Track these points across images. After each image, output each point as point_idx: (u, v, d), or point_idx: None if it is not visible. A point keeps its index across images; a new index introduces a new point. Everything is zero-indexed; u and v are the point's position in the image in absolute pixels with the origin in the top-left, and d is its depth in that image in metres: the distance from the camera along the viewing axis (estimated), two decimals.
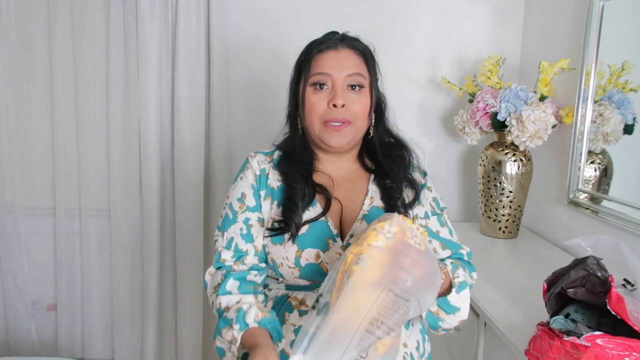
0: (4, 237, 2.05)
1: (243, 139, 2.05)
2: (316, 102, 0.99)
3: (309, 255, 0.96)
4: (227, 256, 0.99)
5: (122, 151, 1.98)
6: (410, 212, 1.03)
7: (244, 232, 1.01)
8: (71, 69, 1.95)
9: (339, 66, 0.98)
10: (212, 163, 2.01)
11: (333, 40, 1.01)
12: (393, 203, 1.01)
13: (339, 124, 0.98)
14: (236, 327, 0.85)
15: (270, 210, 1.02)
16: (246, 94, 2.03)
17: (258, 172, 1.04)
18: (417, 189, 1.05)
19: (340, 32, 1.06)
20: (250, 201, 1.02)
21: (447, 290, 0.92)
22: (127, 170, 2.00)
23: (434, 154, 2.06)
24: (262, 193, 1.03)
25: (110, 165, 1.99)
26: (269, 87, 2.00)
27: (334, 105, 0.97)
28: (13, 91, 1.99)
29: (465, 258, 1.05)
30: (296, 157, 1.03)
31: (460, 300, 0.92)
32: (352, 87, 0.99)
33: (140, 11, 1.85)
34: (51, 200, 2.06)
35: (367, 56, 1.02)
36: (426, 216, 1.04)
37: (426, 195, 1.07)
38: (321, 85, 0.99)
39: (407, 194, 1.04)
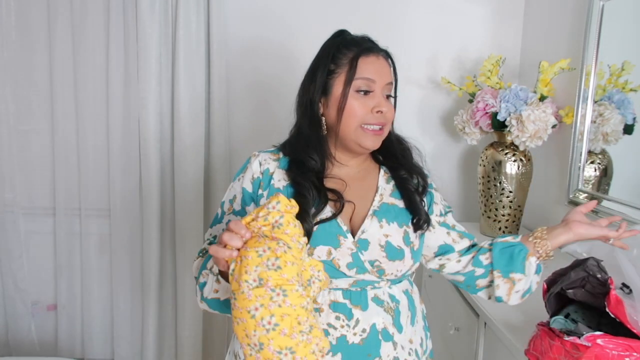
0: (4, 237, 2.05)
1: (243, 139, 2.05)
2: (359, 107, 0.99)
3: (320, 252, 0.96)
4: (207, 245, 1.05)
5: (122, 151, 1.98)
6: (424, 198, 1.07)
7: None
8: (71, 69, 1.95)
9: (380, 73, 1.01)
10: (212, 163, 2.01)
11: (371, 43, 1.03)
12: (410, 194, 1.05)
13: (378, 127, 1.01)
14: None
15: None
16: (246, 93, 2.03)
17: (257, 175, 1.03)
18: (424, 177, 1.09)
19: (350, 29, 1.07)
20: (237, 205, 1.04)
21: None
22: (127, 170, 2.00)
23: (434, 154, 2.06)
24: (265, 193, 1.02)
25: (110, 165, 1.99)
26: (270, 87, 2.00)
27: (378, 112, 1.00)
28: (13, 91, 1.99)
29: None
30: (310, 161, 1.01)
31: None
32: (387, 96, 1.03)
33: (140, 11, 1.85)
34: (51, 200, 2.06)
35: (394, 64, 1.06)
36: (441, 214, 1.10)
37: (437, 196, 1.12)
38: (367, 91, 1.00)
39: (418, 184, 1.08)
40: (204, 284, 0.93)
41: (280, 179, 1.02)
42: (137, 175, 2.00)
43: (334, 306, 0.96)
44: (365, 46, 1.01)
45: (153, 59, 1.89)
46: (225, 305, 0.94)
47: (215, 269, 0.91)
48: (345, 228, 0.98)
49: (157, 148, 1.95)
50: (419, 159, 1.13)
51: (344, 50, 1.01)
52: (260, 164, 1.04)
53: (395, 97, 1.07)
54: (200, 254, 1.06)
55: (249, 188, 1.03)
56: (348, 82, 0.99)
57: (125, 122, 1.97)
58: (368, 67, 0.99)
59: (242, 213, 1.03)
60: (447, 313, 1.57)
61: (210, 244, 1.06)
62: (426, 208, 1.06)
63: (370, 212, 1.01)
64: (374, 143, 1.02)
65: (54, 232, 2.07)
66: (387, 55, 1.04)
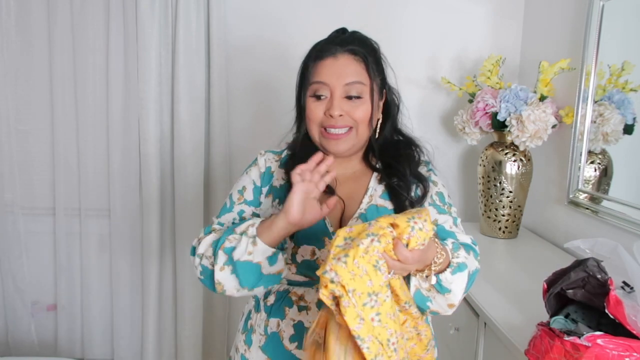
0: (4, 237, 2.05)
1: (243, 139, 2.05)
2: (314, 111, 0.99)
3: (304, 252, 0.97)
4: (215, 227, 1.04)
5: (122, 151, 1.98)
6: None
7: (236, 222, 1.03)
8: (71, 69, 1.95)
9: (336, 75, 0.98)
10: (212, 163, 2.01)
11: (332, 46, 0.99)
12: (401, 201, 1.00)
13: (337, 131, 0.98)
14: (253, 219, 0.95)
15: (270, 207, 1.04)
16: (247, 93, 2.03)
17: (263, 170, 1.07)
18: (425, 185, 1.04)
19: (349, 29, 1.04)
20: (249, 195, 1.05)
21: (444, 269, 0.87)
22: (127, 170, 2.00)
23: (433, 154, 2.06)
24: (264, 190, 1.05)
25: (110, 165, 1.99)
26: (270, 87, 2.00)
27: (331, 116, 0.97)
28: (13, 91, 1.99)
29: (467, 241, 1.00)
30: (302, 157, 1.02)
31: (454, 282, 0.87)
32: (352, 97, 0.98)
33: (140, 11, 1.85)
34: (51, 200, 2.06)
35: (367, 60, 1.00)
36: (421, 206, 1.03)
37: (434, 195, 1.05)
38: (319, 95, 0.99)
39: (416, 191, 1.03)
40: (232, 248, 0.91)
41: (279, 178, 1.06)
42: (137, 175, 2.00)
43: (319, 304, 0.96)
44: (324, 52, 0.99)
45: (153, 59, 1.89)
46: (254, 270, 0.91)
47: (252, 232, 0.90)
48: (332, 229, 0.99)
49: (157, 148, 1.95)
50: (428, 158, 1.10)
51: (310, 59, 1.01)
52: (266, 161, 1.08)
53: (372, 96, 1.00)
54: (210, 232, 1.02)
55: (258, 182, 1.06)
56: (305, 88, 1.00)
57: (125, 122, 1.97)
58: (320, 70, 0.99)
59: (254, 203, 1.05)
60: None
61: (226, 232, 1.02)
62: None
63: (357, 214, 1.00)
64: (337, 148, 1.00)
65: (54, 232, 2.07)
66: (354, 53, 0.99)
